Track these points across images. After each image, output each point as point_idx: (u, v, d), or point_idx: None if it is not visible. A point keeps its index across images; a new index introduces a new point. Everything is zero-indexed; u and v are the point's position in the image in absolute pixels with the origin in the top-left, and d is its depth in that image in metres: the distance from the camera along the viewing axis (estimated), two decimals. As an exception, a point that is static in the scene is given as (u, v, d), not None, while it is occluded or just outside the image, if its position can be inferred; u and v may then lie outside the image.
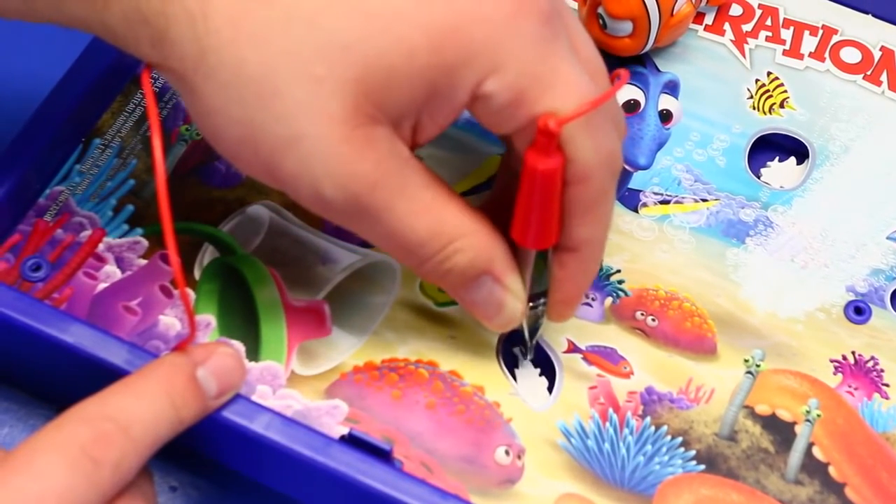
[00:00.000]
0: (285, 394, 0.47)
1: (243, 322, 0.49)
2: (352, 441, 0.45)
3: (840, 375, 0.50)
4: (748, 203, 0.54)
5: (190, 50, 0.39)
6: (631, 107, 0.55)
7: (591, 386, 0.49)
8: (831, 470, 0.47)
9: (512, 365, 0.49)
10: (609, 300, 0.51)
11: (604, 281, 0.51)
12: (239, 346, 0.48)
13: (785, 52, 0.58)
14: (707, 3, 0.57)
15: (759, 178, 0.55)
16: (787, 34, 0.58)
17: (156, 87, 0.55)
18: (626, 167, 0.54)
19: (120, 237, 0.51)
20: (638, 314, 0.51)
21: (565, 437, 0.47)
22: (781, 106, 0.56)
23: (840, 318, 0.51)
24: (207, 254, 0.51)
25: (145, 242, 0.51)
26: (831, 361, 0.50)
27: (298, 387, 0.48)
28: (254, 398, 0.46)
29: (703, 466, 0.47)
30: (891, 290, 0.52)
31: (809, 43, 0.58)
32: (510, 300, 0.45)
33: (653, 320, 0.51)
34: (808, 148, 0.55)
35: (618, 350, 0.50)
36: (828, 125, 0.56)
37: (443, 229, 0.42)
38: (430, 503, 0.43)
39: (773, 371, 0.49)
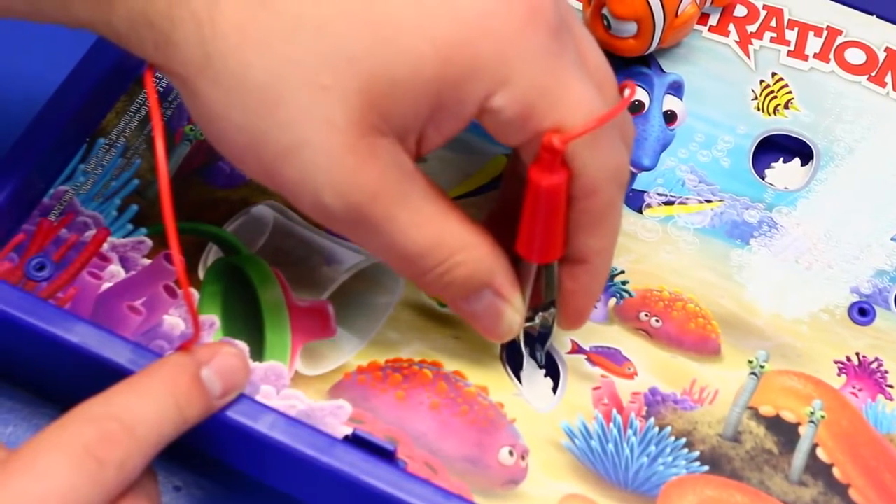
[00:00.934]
0: (289, 394, 0.47)
1: (247, 322, 0.49)
2: (356, 441, 0.45)
3: (844, 377, 0.50)
4: (752, 204, 0.54)
5: (194, 54, 0.39)
6: (635, 108, 0.55)
7: (594, 387, 0.49)
8: (835, 471, 0.47)
9: (516, 365, 0.49)
10: (613, 301, 0.51)
11: (608, 281, 0.51)
12: (243, 347, 0.48)
13: (789, 53, 0.57)
14: (712, 3, 0.57)
15: (763, 179, 0.55)
16: (791, 35, 0.58)
17: (160, 87, 0.55)
18: (631, 168, 0.54)
19: (124, 237, 0.51)
20: (642, 315, 0.51)
21: (569, 438, 0.47)
22: (786, 107, 0.56)
23: (844, 320, 0.51)
24: (212, 254, 0.51)
25: (149, 242, 0.51)
26: (835, 363, 0.50)
27: (302, 387, 0.48)
28: (258, 398, 0.46)
29: (706, 467, 0.47)
30: (895, 291, 0.52)
31: (814, 44, 0.58)
32: (509, 313, 0.45)
33: (657, 321, 0.51)
34: (813, 149, 0.55)
35: (622, 351, 0.50)
36: (832, 126, 0.56)
37: (444, 241, 0.42)
38: (433, 503, 0.43)
39: (777, 372, 0.49)
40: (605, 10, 0.54)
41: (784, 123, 0.56)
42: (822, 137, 0.56)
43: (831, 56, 0.57)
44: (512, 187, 0.47)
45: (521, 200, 0.43)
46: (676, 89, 0.56)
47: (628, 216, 0.53)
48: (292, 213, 0.52)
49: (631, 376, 0.49)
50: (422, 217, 0.41)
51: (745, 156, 0.55)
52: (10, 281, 0.49)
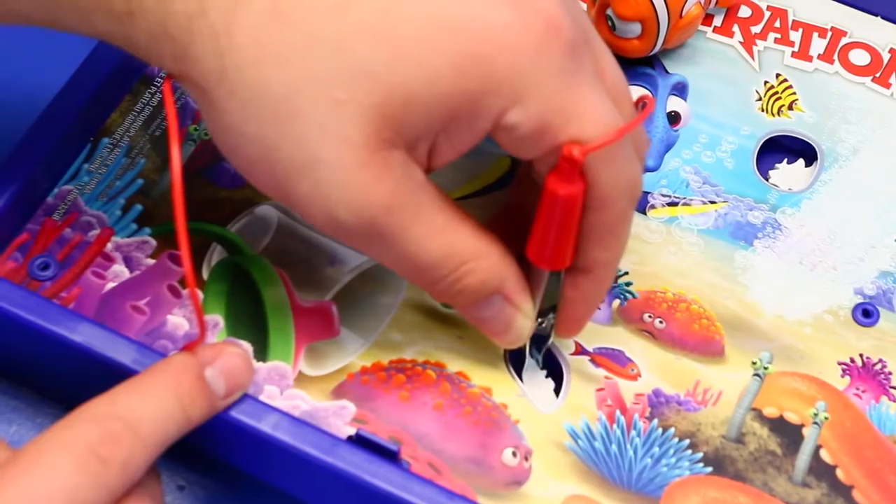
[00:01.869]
0: (293, 394, 0.47)
1: (251, 322, 0.49)
2: (359, 441, 0.45)
3: (848, 378, 0.50)
4: (756, 205, 0.54)
5: (212, 66, 0.39)
6: (639, 108, 0.55)
7: (598, 388, 0.49)
8: (839, 472, 0.47)
9: (519, 367, 0.49)
10: (617, 302, 0.51)
11: (612, 283, 0.51)
12: (247, 347, 0.48)
13: (794, 54, 0.57)
14: (716, 4, 0.57)
15: (767, 180, 0.55)
16: (795, 36, 0.58)
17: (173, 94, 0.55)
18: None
19: (128, 236, 0.51)
20: (646, 316, 0.51)
21: (572, 439, 0.47)
22: (790, 108, 0.56)
23: (848, 321, 0.51)
24: (216, 254, 0.51)
25: (153, 242, 0.51)
26: (839, 364, 0.50)
27: (306, 387, 0.48)
28: (262, 398, 0.46)
29: (710, 469, 0.47)
30: (899, 292, 0.52)
31: (818, 45, 0.58)
32: (520, 319, 0.45)
33: (660, 322, 0.51)
34: (817, 150, 0.55)
35: (625, 352, 0.50)
36: (836, 127, 0.56)
37: (456, 251, 0.42)
38: (437, 504, 0.43)
39: (780, 373, 0.49)
40: (609, 11, 0.54)
41: (788, 124, 0.56)
42: (826, 138, 0.56)
43: (835, 57, 0.57)
44: (521, 191, 0.47)
45: (529, 204, 0.43)
46: (680, 90, 0.56)
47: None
48: (296, 214, 0.52)
49: (634, 377, 0.49)
50: (434, 228, 0.41)
51: (749, 157, 0.55)
52: (14, 280, 0.49)
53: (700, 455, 0.47)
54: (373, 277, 0.51)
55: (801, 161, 0.56)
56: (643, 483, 0.47)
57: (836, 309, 0.51)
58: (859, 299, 0.51)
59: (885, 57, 0.57)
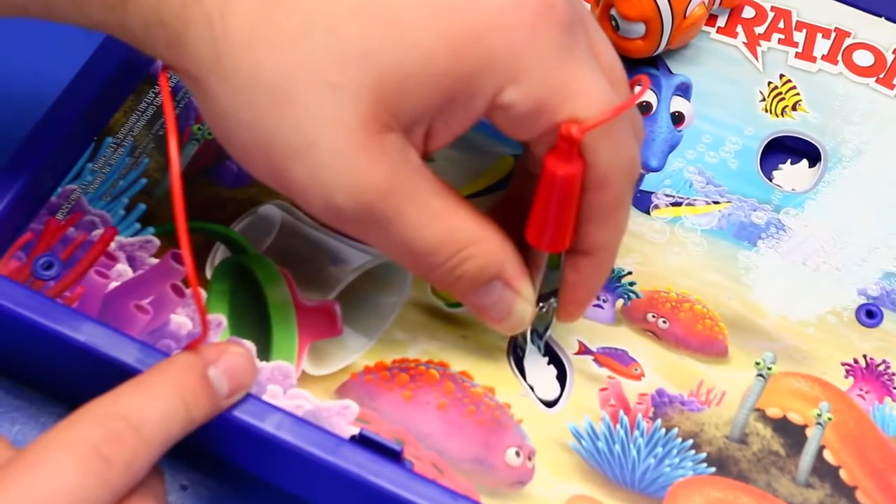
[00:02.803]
0: (296, 393, 0.47)
1: (254, 322, 0.49)
2: (362, 441, 0.45)
3: (851, 379, 0.50)
4: (760, 205, 0.54)
5: (205, 53, 0.39)
6: (643, 109, 0.55)
7: (601, 388, 0.49)
8: (842, 473, 0.47)
9: (518, 356, 0.49)
10: (620, 302, 0.51)
11: (615, 283, 0.51)
12: (250, 346, 0.48)
13: (797, 55, 0.57)
14: (720, 5, 0.57)
15: (771, 180, 0.55)
16: (799, 37, 0.58)
17: (169, 84, 0.54)
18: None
19: (132, 236, 0.51)
20: (649, 316, 0.51)
21: (576, 439, 0.47)
22: (794, 108, 0.56)
23: (851, 322, 0.51)
24: (219, 253, 0.51)
25: (157, 241, 0.51)
26: (842, 365, 0.50)
27: (309, 387, 0.48)
28: (265, 398, 0.46)
29: (713, 469, 0.47)
30: (903, 293, 0.52)
31: (822, 45, 0.58)
32: (520, 304, 0.45)
33: (664, 322, 0.50)
34: (821, 151, 0.55)
35: (629, 352, 0.50)
36: (840, 128, 0.56)
37: (454, 236, 0.42)
38: (440, 503, 0.43)
39: (784, 374, 0.49)
40: (613, 11, 0.54)
41: (792, 125, 0.56)
42: (830, 139, 0.55)
43: (839, 58, 0.57)
44: (522, 182, 0.47)
45: (528, 196, 0.43)
46: (684, 90, 0.56)
47: (636, 217, 0.53)
48: (299, 213, 0.52)
49: (638, 377, 0.49)
50: (431, 213, 0.41)
51: (752, 157, 0.55)
52: (18, 280, 0.49)
53: (703, 455, 0.47)
54: (376, 277, 0.51)
55: (804, 162, 0.56)
56: (646, 483, 0.47)
57: (839, 310, 0.51)
58: (863, 300, 0.51)
59: (889, 58, 0.57)
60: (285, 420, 0.44)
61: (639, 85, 0.41)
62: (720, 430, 0.48)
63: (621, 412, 0.48)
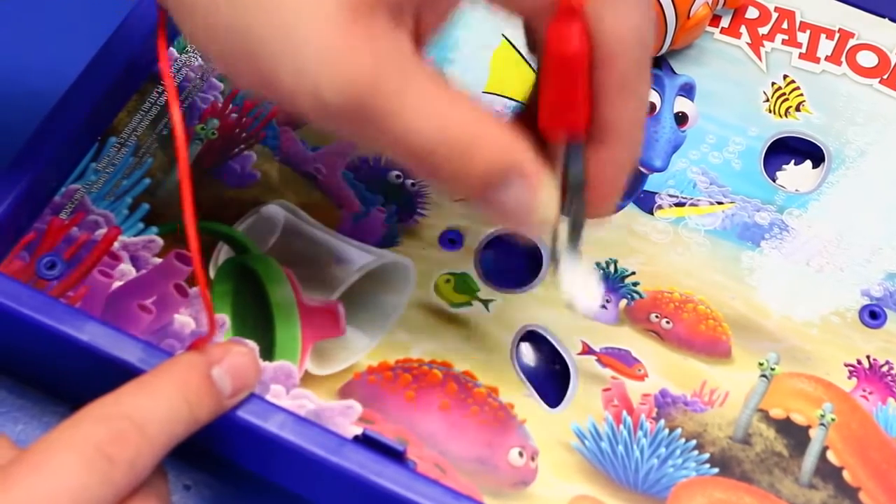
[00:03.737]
0: (299, 393, 0.47)
1: (257, 322, 0.49)
2: (365, 441, 0.45)
3: (855, 380, 0.49)
4: (763, 206, 0.54)
5: None
6: (646, 109, 0.55)
7: (605, 388, 0.49)
8: (845, 474, 0.47)
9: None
10: (624, 302, 0.51)
11: (618, 283, 0.51)
12: (253, 346, 0.48)
13: (801, 56, 0.57)
14: (723, 5, 0.57)
15: (774, 181, 0.55)
16: (803, 37, 0.58)
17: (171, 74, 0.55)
18: (642, 169, 0.54)
19: (135, 236, 0.51)
20: (652, 316, 0.51)
21: (579, 439, 0.47)
22: (797, 109, 0.56)
23: (855, 322, 0.51)
24: (222, 253, 0.51)
25: (160, 241, 0.51)
26: (846, 365, 0.50)
27: (312, 387, 0.48)
28: (268, 398, 0.46)
29: (716, 469, 0.47)
30: (906, 294, 0.52)
31: (826, 46, 0.58)
32: (542, 197, 0.40)
33: (667, 323, 0.50)
34: (824, 151, 0.55)
35: (632, 352, 0.50)
36: (844, 129, 0.56)
37: (456, 130, 0.38)
38: (443, 504, 0.43)
39: (787, 375, 0.49)
40: (616, 12, 0.54)
41: (795, 126, 0.56)
42: (834, 140, 0.55)
43: (843, 58, 0.57)
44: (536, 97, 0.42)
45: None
46: (688, 91, 0.56)
47: (639, 217, 0.53)
48: (303, 213, 0.52)
49: (641, 378, 0.49)
50: (429, 104, 0.38)
51: (756, 158, 0.55)
52: (21, 279, 0.49)
53: (706, 456, 0.47)
54: (379, 277, 0.51)
55: (808, 162, 0.56)
56: (649, 484, 0.47)
57: (843, 310, 0.51)
58: (866, 301, 0.51)
59: (893, 59, 0.57)
60: (288, 420, 0.44)
61: None
62: (723, 431, 0.48)
63: (624, 412, 0.48)
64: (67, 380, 0.49)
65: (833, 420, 0.48)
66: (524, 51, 0.57)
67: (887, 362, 0.50)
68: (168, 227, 0.51)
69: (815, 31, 0.58)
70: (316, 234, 0.52)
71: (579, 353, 0.49)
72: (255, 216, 0.52)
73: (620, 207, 0.53)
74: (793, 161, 0.56)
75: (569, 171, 0.41)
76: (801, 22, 0.58)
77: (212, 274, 0.50)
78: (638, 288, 0.51)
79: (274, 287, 0.50)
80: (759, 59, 0.57)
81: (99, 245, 0.50)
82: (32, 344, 0.47)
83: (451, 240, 0.52)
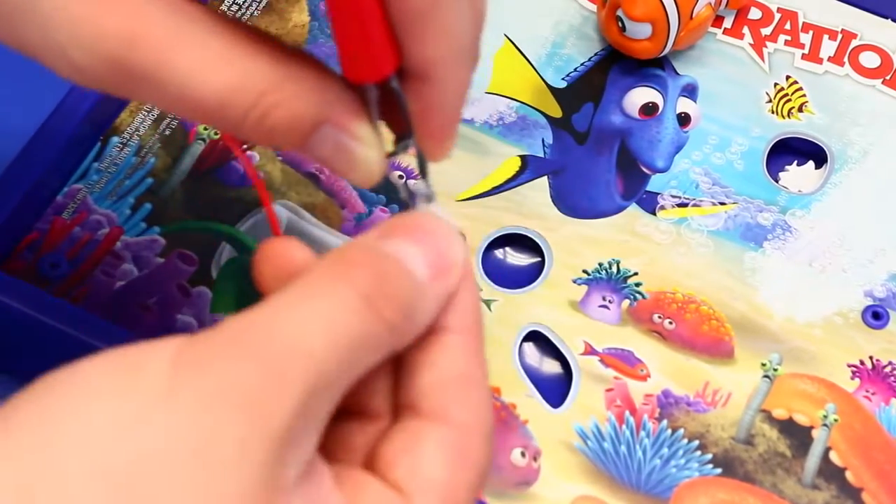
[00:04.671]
0: (302, 393, 0.47)
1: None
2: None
3: (857, 380, 0.49)
4: (766, 207, 0.54)
5: None
6: (649, 109, 0.55)
7: (607, 388, 0.49)
8: (848, 475, 0.47)
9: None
10: (626, 302, 0.51)
11: (621, 283, 0.51)
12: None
13: (804, 57, 0.57)
14: (726, 6, 0.57)
15: (777, 181, 0.55)
16: (806, 38, 0.58)
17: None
18: (645, 170, 0.54)
19: (137, 235, 0.51)
20: (655, 317, 0.51)
21: (581, 440, 0.47)
22: (800, 110, 0.56)
23: (858, 323, 0.51)
24: (225, 253, 0.51)
25: (162, 241, 0.51)
26: (849, 366, 0.50)
27: (315, 386, 0.48)
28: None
29: (719, 470, 0.47)
30: (909, 295, 0.52)
31: (828, 47, 0.58)
32: (362, 149, 0.37)
33: (670, 323, 0.50)
34: (827, 152, 0.55)
35: (635, 353, 0.50)
36: (847, 129, 0.56)
37: (248, 81, 0.34)
38: (446, 504, 0.43)
39: (790, 375, 0.49)
40: (619, 12, 0.54)
41: (798, 126, 0.56)
42: (836, 140, 0.55)
43: (846, 59, 0.57)
44: None
45: None
46: (690, 91, 0.56)
47: (642, 218, 0.53)
48: (305, 213, 0.52)
49: (644, 378, 0.49)
50: (211, 56, 0.34)
51: (758, 158, 0.55)
52: (24, 279, 0.49)
53: (709, 456, 0.47)
54: (382, 277, 0.51)
55: (810, 163, 0.56)
56: (652, 484, 0.47)
57: (845, 311, 0.51)
58: (869, 302, 0.51)
59: (896, 59, 0.57)
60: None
61: None
62: (726, 432, 0.48)
63: (627, 413, 0.48)
64: (70, 379, 0.49)
65: (836, 421, 0.48)
66: (527, 51, 0.57)
67: (890, 363, 0.50)
68: (170, 227, 0.51)
69: (818, 32, 0.58)
70: (319, 233, 0.52)
71: (582, 354, 0.49)
72: (258, 216, 0.52)
73: (622, 208, 0.53)
74: (795, 162, 0.56)
75: (398, 115, 0.38)
76: (803, 23, 0.58)
77: (214, 273, 0.50)
78: (640, 288, 0.51)
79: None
80: (762, 59, 0.57)
81: (101, 245, 0.50)
82: (35, 343, 0.47)
83: (454, 240, 0.52)
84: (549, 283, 0.51)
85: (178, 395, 0.28)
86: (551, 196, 0.53)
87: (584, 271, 0.51)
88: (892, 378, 0.49)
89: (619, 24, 0.54)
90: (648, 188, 0.54)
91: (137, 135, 0.53)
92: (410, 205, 0.39)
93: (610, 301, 0.51)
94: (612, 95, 0.56)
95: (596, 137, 0.55)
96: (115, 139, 0.53)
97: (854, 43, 0.58)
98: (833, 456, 0.48)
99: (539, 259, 0.52)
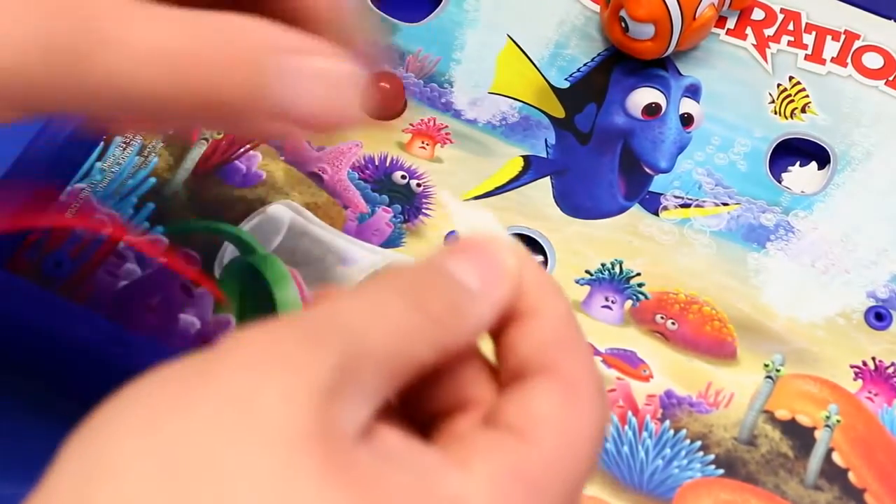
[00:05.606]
0: (304, 393, 0.47)
1: (263, 321, 0.49)
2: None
3: (860, 381, 0.49)
4: (769, 207, 0.54)
5: None
6: (652, 110, 0.55)
7: (610, 389, 0.49)
8: (851, 476, 0.47)
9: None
10: (629, 303, 0.51)
11: (624, 284, 0.51)
12: None
13: (807, 57, 0.57)
14: (729, 6, 0.57)
15: (780, 182, 0.55)
16: (809, 39, 0.58)
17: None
18: (647, 170, 0.54)
19: (140, 235, 0.51)
20: (658, 317, 0.51)
21: (584, 440, 0.47)
22: (803, 111, 0.56)
23: (861, 324, 0.51)
24: (227, 253, 0.51)
25: (166, 241, 0.51)
26: (851, 367, 0.50)
27: (317, 386, 0.48)
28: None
29: (722, 471, 0.47)
30: (912, 296, 0.52)
31: (831, 48, 0.58)
32: (330, 63, 0.35)
33: (673, 324, 0.50)
34: (830, 153, 0.55)
35: (637, 353, 0.50)
36: (850, 130, 0.56)
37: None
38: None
39: (792, 376, 0.49)
40: (622, 12, 0.54)
41: (801, 127, 0.56)
42: (840, 141, 0.55)
43: (849, 60, 0.57)
44: None
45: None
46: (693, 92, 0.56)
47: (645, 218, 0.53)
48: (308, 213, 0.52)
49: (646, 378, 0.49)
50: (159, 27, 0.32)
51: (761, 159, 0.55)
52: (28, 278, 0.49)
53: (712, 457, 0.47)
54: (385, 277, 0.51)
55: (813, 164, 0.56)
56: (655, 484, 0.47)
57: (848, 312, 0.51)
58: (872, 302, 0.51)
59: (899, 60, 0.57)
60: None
61: None
62: (729, 432, 0.48)
63: (630, 413, 0.48)
64: (73, 379, 0.49)
65: (839, 421, 0.48)
66: (530, 51, 0.57)
67: (893, 364, 0.50)
68: (173, 227, 0.51)
69: (821, 33, 0.58)
70: (321, 234, 0.52)
71: (584, 354, 0.49)
72: (261, 216, 0.52)
73: (625, 208, 0.53)
74: (798, 162, 0.56)
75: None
76: (806, 23, 0.58)
77: (217, 273, 0.50)
78: (643, 289, 0.51)
79: (279, 287, 0.50)
80: (765, 60, 0.57)
81: (104, 244, 0.50)
82: (38, 343, 0.47)
83: (457, 240, 0.52)
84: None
85: (222, 363, 0.29)
86: (554, 196, 0.53)
87: (587, 272, 0.51)
88: (895, 379, 0.49)
89: (623, 25, 0.54)
90: (651, 189, 0.54)
91: (140, 134, 0.53)
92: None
93: (613, 301, 0.51)
94: (615, 96, 0.56)
95: (599, 138, 0.55)
96: (118, 138, 0.53)
97: (857, 44, 0.58)
98: (836, 457, 0.48)
99: (542, 259, 0.52)
